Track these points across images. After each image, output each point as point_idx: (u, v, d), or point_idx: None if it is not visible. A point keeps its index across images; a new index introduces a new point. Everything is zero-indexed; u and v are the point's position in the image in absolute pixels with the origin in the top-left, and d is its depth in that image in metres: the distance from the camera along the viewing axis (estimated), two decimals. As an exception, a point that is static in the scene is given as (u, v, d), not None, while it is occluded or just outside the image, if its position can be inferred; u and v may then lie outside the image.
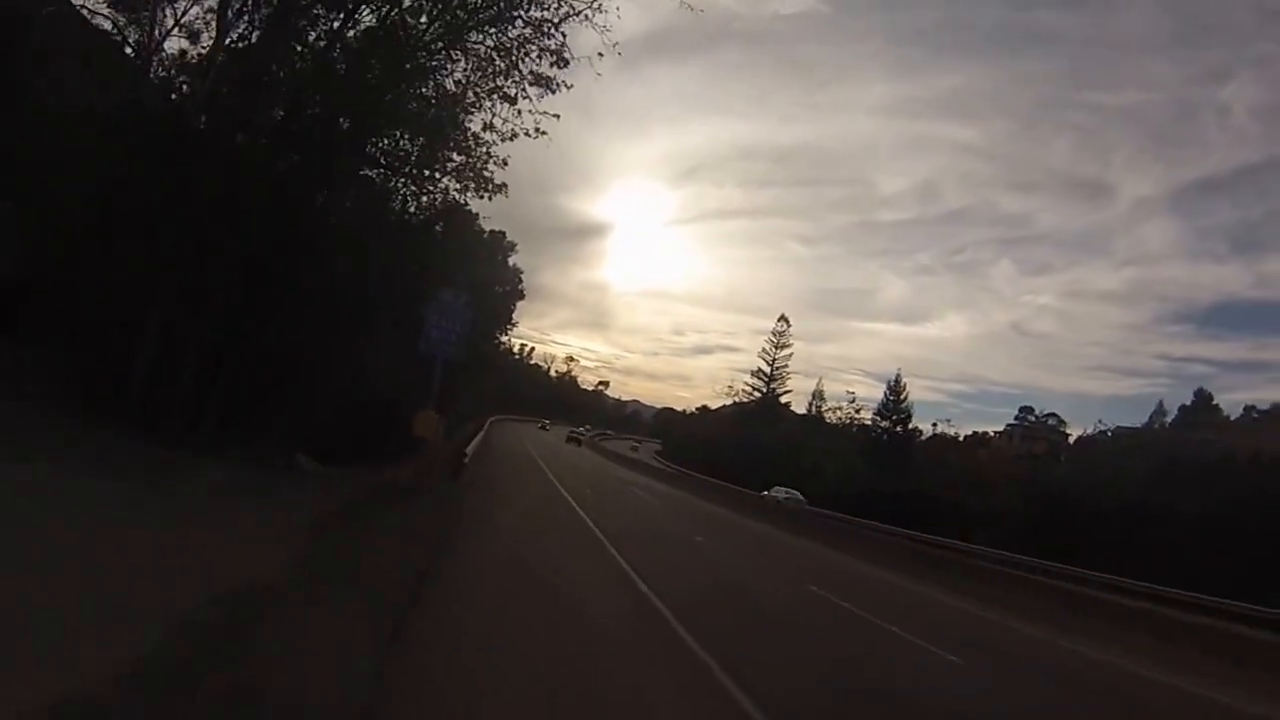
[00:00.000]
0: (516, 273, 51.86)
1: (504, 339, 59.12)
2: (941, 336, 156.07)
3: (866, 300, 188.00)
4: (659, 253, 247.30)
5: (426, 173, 20.02)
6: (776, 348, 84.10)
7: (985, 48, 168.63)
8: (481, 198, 19.62)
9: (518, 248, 48.51)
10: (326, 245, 18.57)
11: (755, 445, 67.78)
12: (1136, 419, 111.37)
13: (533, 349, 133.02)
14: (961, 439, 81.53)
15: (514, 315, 56.26)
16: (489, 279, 37.89)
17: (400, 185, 19.92)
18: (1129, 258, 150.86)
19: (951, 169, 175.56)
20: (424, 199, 19.90)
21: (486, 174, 19.91)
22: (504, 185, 20.02)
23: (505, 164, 20.28)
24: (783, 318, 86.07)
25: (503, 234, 42.12)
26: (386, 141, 19.93)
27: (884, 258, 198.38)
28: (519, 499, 20.77)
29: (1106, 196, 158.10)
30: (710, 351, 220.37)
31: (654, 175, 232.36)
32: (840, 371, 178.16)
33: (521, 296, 55.29)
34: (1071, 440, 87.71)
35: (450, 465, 19.76)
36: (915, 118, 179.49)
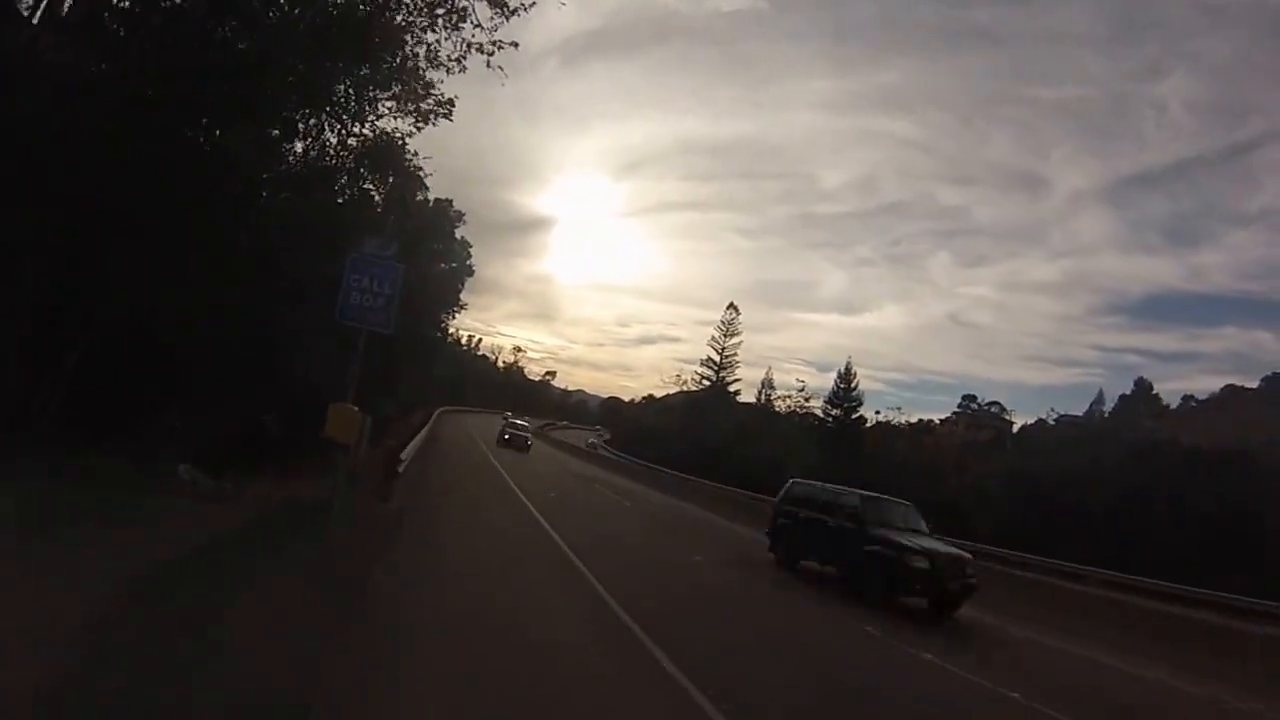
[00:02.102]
0: (465, 246, 44.47)
1: (451, 322, 51.70)
2: (880, 327, 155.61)
3: (807, 291, 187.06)
4: (603, 245, 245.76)
5: (355, 106, 15.05)
6: (726, 336, 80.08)
7: (924, 43, 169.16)
8: (420, 128, 14.95)
9: (465, 218, 41.34)
10: (220, 190, 13.56)
11: (710, 435, 63.62)
12: (1071, 407, 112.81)
13: (480, 340, 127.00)
14: (907, 427, 79.22)
15: (461, 296, 48.52)
16: (433, 253, 32.26)
17: (321, 123, 14.91)
18: (1064, 250, 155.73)
19: (890, 162, 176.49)
20: (351, 139, 14.99)
21: (425, 106, 15.20)
22: (450, 105, 15.33)
23: (451, 104, 15.62)
24: (731, 305, 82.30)
25: (449, 202, 36.35)
26: (303, 68, 14.95)
27: (824, 250, 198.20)
28: (473, 519, 15.42)
29: (1043, 189, 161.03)
30: (654, 342, 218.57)
31: (598, 170, 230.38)
32: (781, 361, 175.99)
33: (470, 273, 48.02)
34: (1015, 429, 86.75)
35: (384, 469, 14.90)
36: (855, 112, 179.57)
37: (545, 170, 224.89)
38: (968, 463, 61.39)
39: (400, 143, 15.43)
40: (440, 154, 79.57)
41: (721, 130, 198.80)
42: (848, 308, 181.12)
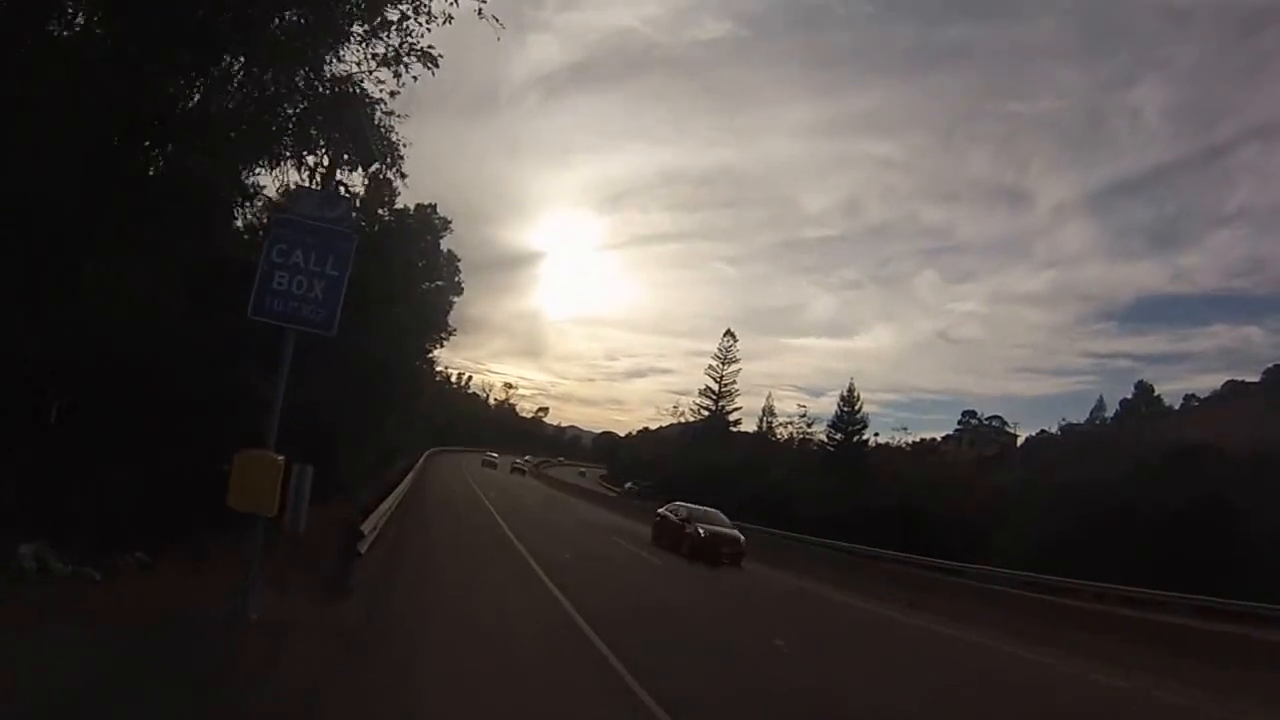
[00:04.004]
0: (452, 261, 37.78)
1: (437, 354, 44.62)
2: (870, 348, 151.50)
3: (795, 316, 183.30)
4: (590, 279, 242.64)
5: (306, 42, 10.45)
6: (724, 364, 75.52)
7: (900, 65, 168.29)
8: (398, 75, 10.41)
9: (451, 227, 34.47)
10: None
11: (715, 467, 58.82)
12: (1067, 416, 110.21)
13: (470, 377, 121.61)
14: (909, 447, 75.07)
15: (449, 320, 41.10)
16: (414, 268, 26.76)
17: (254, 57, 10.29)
18: (1049, 260, 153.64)
19: (873, 184, 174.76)
20: (298, 81, 10.31)
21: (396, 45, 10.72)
22: (432, 58, 10.80)
23: (436, 61, 11.10)
24: (729, 333, 77.57)
25: (432, 207, 29.96)
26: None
27: (811, 274, 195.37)
28: (472, 622, 9.67)
29: (1025, 203, 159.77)
30: (644, 374, 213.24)
31: (581, 203, 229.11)
32: (772, 388, 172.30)
33: (459, 292, 40.93)
34: (1020, 442, 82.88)
35: (340, 547, 9.85)
36: (835, 136, 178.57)
37: (529, 206, 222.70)
38: (979, 479, 57.52)
39: (364, 97, 10.79)
40: (422, 191, 75.30)
41: (703, 159, 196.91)
42: (837, 331, 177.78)
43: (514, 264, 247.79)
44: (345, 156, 10.37)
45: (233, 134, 9.87)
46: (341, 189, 9.76)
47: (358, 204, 11.54)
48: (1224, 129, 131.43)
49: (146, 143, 9.14)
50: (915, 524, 39.82)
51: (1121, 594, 24.40)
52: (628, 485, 71.52)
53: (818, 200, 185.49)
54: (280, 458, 6.71)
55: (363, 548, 9.81)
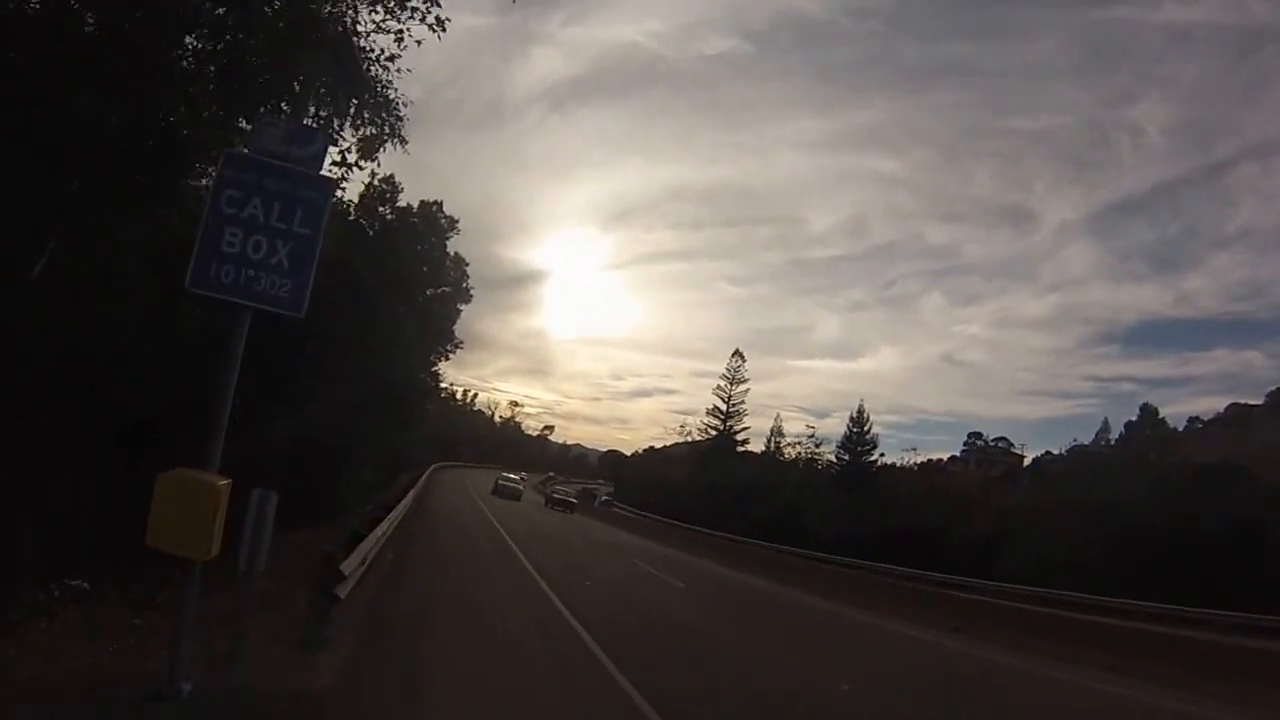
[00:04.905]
0: (459, 265, 34.14)
1: (442, 368, 41.10)
2: (875, 370, 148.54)
3: (800, 338, 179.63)
4: (595, 298, 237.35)
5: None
6: (732, 384, 73.60)
7: (904, 82, 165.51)
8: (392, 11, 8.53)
9: (459, 227, 30.26)
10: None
11: (729, 487, 56.99)
12: (1074, 438, 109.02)
13: (475, 394, 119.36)
14: (916, 467, 73.18)
15: (456, 331, 37.30)
16: (420, 277, 24.50)
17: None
18: (1054, 283, 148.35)
19: (878, 203, 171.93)
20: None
21: None
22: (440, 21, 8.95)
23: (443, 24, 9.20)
24: (737, 353, 75.64)
25: (438, 205, 26.98)
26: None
27: (816, 295, 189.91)
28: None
29: (1029, 223, 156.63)
30: (649, 394, 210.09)
31: (586, 221, 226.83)
32: (776, 409, 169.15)
33: (468, 299, 37.39)
34: (1026, 463, 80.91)
35: (315, 589, 7.48)
36: (840, 153, 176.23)
37: (534, 223, 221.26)
38: (987, 499, 55.51)
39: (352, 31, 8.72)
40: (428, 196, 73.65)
41: (708, 176, 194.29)
42: (842, 352, 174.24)
43: (519, 282, 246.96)
44: (322, 90, 8.28)
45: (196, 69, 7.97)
46: (318, 126, 7.85)
47: (349, 160, 9.45)
48: (1224, 147, 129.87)
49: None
50: (929, 543, 38.44)
51: (1178, 615, 22.40)
52: (603, 497, 69.99)
53: (823, 219, 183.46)
54: (223, 481, 4.81)
55: (343, 591, 7.51)
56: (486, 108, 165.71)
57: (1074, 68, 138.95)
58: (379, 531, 11.43)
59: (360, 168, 9.80)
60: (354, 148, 9.53)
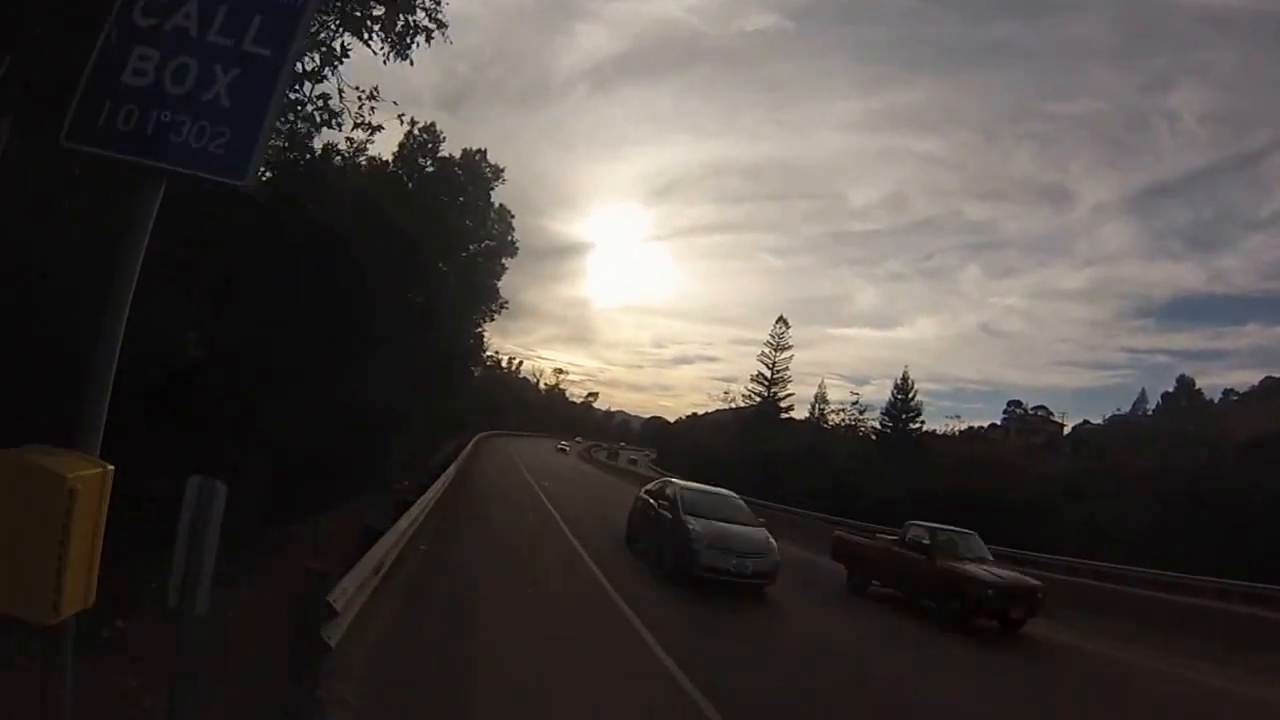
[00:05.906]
0: (504, 216, 30.68)
1: (487, 330, 37.76)
2: (913, 339, 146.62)
3: (839, 307, 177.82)
4: (638, 269, 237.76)
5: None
6: (776, 350, 70.98)
7: (945, 62, 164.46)
8: None
9: (504, 177, 26.97)
10: None
11: (782, 454, 54.62)
12: (1107, 408, 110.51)
13: (520, 362, 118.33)
14: (957, 435, 71.10)
15: (500, 288, 34.60)
16: (464, 231, 22.07)
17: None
18: (1090, 259, 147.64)
19: (918, 180, 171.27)
20: None
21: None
22: None
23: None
24: (781, 319, 73.04)
25: (481, 153, 24.21)
26: None
27: (856, 266, 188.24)
28: None
29: (1067, 202, 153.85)
30: (691, 362, 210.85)
31: (630, 195, 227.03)
32: (815, 376, 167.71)
33: (513, 253, 34.74)
34: (1065, 431, 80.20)
35: (295, 641, 4.20)
36: (880, 131, 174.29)
37: (578, 197, 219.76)
38: (1031, 467, 53.67)
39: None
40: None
41: (750, 152, 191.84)
42: (881, 322, 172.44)
43: (564, 254, 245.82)
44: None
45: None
46: None
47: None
48: (1259, 135, 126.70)
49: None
50: (978, 510, 35.84)
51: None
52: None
53: (863, 194, 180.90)
54: (89, 471, 2.64)
55: (332, 637, 4.43)
56: (531, 84, 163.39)
57: (1112, 51, 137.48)
58: (402, 526, 9.15)
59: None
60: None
